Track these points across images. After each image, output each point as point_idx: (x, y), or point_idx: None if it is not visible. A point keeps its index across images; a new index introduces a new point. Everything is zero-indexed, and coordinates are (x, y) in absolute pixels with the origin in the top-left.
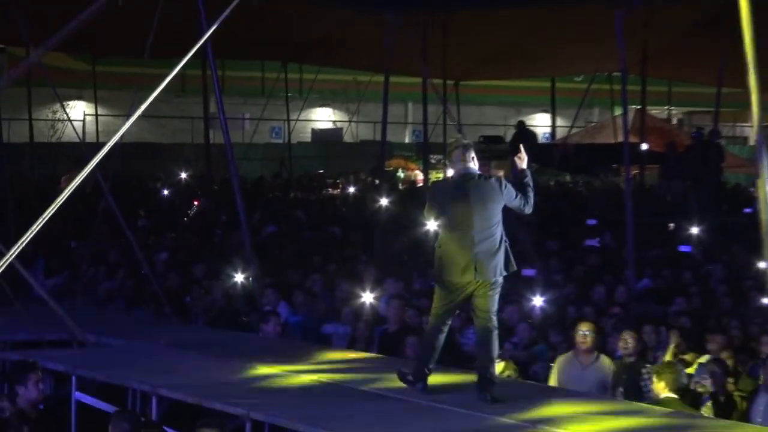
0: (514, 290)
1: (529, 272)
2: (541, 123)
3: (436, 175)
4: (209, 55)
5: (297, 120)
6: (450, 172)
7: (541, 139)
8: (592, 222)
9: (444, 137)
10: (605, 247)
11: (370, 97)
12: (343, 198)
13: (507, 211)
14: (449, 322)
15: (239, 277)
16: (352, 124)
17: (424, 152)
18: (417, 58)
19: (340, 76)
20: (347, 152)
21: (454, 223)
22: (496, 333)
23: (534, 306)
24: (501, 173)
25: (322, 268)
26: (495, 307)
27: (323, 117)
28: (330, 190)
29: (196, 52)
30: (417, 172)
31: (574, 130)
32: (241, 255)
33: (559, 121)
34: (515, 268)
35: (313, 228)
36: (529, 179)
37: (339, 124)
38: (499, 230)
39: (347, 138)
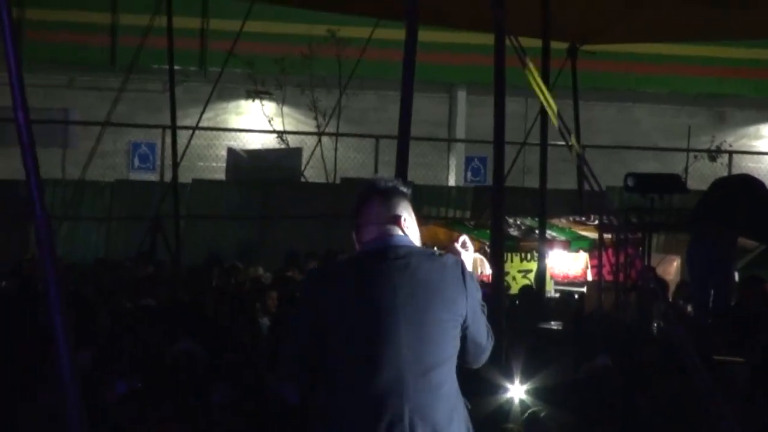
0: None
1: None
2: None
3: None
4: None
5: (195, 128)
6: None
7: None
8: None
9: (542, 174)
10: None
11: (366, 77)
12: None
13: None
14: None
15: None
16: (325, 139)
17: (494, 211)
18: None
19: (296, 28)
20: (313, 205)
21: (356, 357)
22: None
23: None
24: (672, 268)
25: None
26: None
27: (256, 122)
28: (270, 295)
29: None
30: (477, 256)
31: None
32: None
33: None
34: None
35: (217, 380)
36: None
37: (293, 140)
38: (452, 374)
39: (312, 173)
